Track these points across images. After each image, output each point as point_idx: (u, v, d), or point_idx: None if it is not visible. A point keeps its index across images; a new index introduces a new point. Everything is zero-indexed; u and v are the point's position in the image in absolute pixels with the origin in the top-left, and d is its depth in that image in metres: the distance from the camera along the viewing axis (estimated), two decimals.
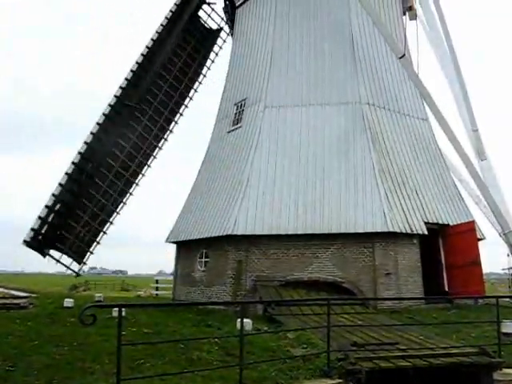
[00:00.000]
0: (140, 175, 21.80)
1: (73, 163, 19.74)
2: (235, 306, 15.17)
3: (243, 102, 20.48)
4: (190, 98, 23.45)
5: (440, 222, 17.91)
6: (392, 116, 19.13)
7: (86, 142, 19.99)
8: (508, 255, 19.37)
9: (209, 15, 24.26)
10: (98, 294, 22.91)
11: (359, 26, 19.90)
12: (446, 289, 17.84)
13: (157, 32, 22.16)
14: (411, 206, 17.15)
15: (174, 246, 21.39)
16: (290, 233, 16.40)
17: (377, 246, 16.18)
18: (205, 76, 24.03)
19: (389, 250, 16.25)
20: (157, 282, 33.05)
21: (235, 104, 21.01)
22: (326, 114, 18.49)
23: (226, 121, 21.31)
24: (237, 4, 23.63)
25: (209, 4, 24.32)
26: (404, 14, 22.67)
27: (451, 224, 18.14)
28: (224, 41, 24.50)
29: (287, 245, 16.58)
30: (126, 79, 21.13)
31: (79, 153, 19.90)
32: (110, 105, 20.63)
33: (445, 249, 18.19)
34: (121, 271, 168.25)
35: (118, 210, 21.37)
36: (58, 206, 19.64)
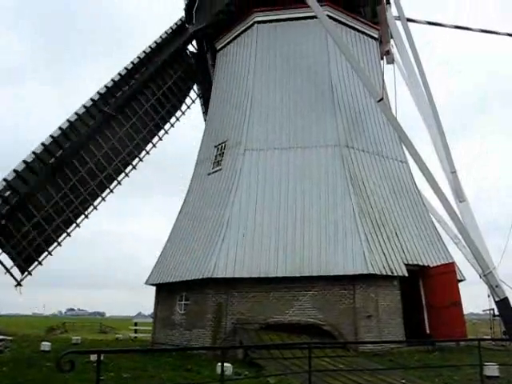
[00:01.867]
0: (107, 190, 21.36)
1: (33, 153, 18.91)
2: (215, 350, 14.92)
3: (223, 145, 20.61)
4: (172, 125, 23.77)
5: (420, 263, 17.94)
6: (371, 158, 19.39)
7: (51, 136, 19.40)
8: (488, 296, 19.33)
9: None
10: (76, 337, 22.48)
11: (338, 70, 20.35)
12: (428, 331, 17.76)
13: (144, 52, 22.75)
14: (391, 248, 17.19)
15: (154, 288, 21.10)
16: (270, 276, 16.28)
17: (357, 288, 16.12)
18: (189, 107, 24.46)
19: (369, 292, 16.18)
20: (135, 324, 32.50)
21: (215, 146, 21.13)
22: (306, 156, 18.67)
23: (206, 162, 21.38)
24: (218, 48, 24.08)
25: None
26: (381, 58, 23.26)
27: (431, 265, 18.18)
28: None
29: (267, 287, 16.42)
30: (106, 86, 21.28)
31: (42, 144, 19.17)
32: (84, 105, 20.43)
33: (425, 290, 18.18)
34: (99, 313, 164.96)
35: (78, 222, 20.48)
36: (7, 193, 18.51)
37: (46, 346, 17.07)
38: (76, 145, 20.13)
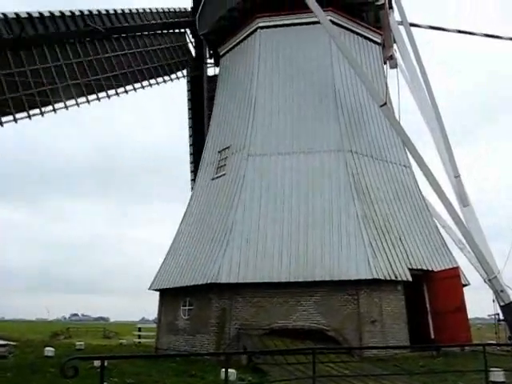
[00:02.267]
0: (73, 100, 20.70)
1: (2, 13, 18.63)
2: (219, 355, 14.90)
3: (227, 150, 20.64)
4: (142, 87, 23.70)
5: (424, 268, 17.90)
6: (375, 163, 19.38)
7: (27, 12, 19.20)
8: (493, 301, 19.27)
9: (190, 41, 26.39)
10: (79, 342, 22.49)
11: (341, 74, 20.38)
12: (432, 336, 17.69)
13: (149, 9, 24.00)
14: (395, 253, 17.15)
15: (157, 293, 21.10)
16: (274, 281, 16.27)
17: (361, 293, 16.08)
18: (171, 80, 25.01)
19: (373, 297, 16.15)
20: (139, 329, 32.47)
21: (219, 151, 21.18)
22: (309, 161, 18.68)
23: (210, 168, 21.42)
24: (221, 53, 24.17)
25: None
26: (385, 63, 23.34)
27: (435, 270, 18.13)
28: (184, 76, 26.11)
29: (271, 293, 16.41)
30: (98, 10, 21.77)
31: (15, 13, 18.85)
32: (70, 10, 20.69)
33: (430, 295, 18.13)
34: (102, 318, 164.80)
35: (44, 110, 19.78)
36: None
37: (49, 351, 17.08)
38: (55, 36, 20.15)
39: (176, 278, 19.04)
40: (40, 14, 19.55)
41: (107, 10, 22.11)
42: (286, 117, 19.80)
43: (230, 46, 23.55)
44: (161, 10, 24.46)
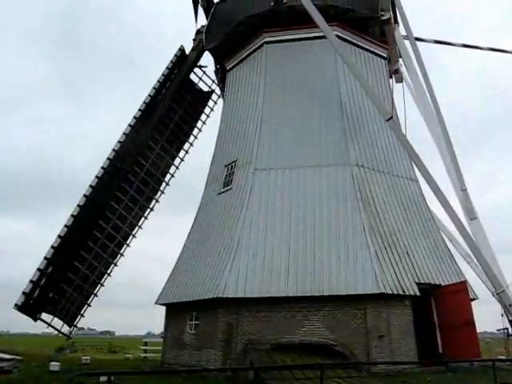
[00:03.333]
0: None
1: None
2: (226, 371, 14.82)
3: (233, 164, 20.71)
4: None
5: (432, 282, 17.80)
6: (381, 177, 19.39)
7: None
8: (502, 315, 19.11)
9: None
10: (85, 357, 22.41)
11: (347, 89, 20.47)
12: (441, 351, 17.54)
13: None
14: (402, 267, 17.08)
15: (164, 307, 21.06)
16: (280, 295, 16.20)
17: (369, 307, 15.98)
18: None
19: (381, 311, 16.05)
20: (145, 344, 32.33)
21: (225, 166, 21.24)
22: (316, 176, 18.70)
23: (216, 182, 21.48)
24: (227, 68, 24.32)
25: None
26: (390, 77, 23.41)
27: (443, 284, 18.03)
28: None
29: (278, 307, 16.33)
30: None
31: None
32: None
33: (437, 310, 18.01)
34: (108, 332, 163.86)
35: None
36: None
37: (54, 366, 17.02)
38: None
39: (182, 292, 19.00)
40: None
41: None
42: (292, 131, 19.87)
43: (237, 61, 23.72)
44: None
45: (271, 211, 18.22)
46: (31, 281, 19.24)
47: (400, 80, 24.10)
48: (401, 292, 16.25)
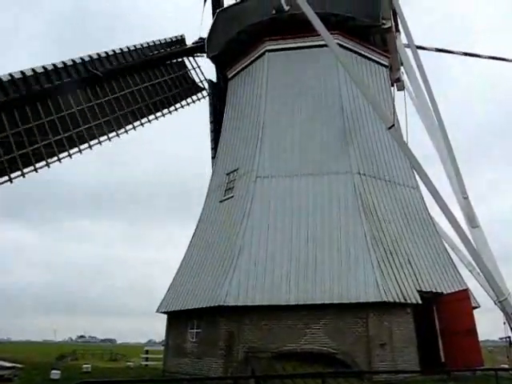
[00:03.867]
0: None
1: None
2: (227, 379, 14.75)
3: (235, 172, 20.75)
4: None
5: (434, 290, 17.76)
6: (383, 185, 19.40)
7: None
8: (504, 323, 19.05)
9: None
10: (86, 365, 22.35)
11: (349, 97, 20.51)
12: (443, 359, 17.47)
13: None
14: (404, 275, 17.05)
15: (165, 315, 21.02)
16: (282, 303, 16.17)
17: (370, 316, 15.94)
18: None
19: (383, 319, 16.00)
20: (147, 352, 32.29)
21: (227, 174, 21.29)
22: (318, 184, 18.73)
23: (218, 190, 21.51)
24: (229, 76, 24.40)
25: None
26: (392, 85, 23.49)
27: (445, 292, 17.99)
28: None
29: (280, 315, 16.30)
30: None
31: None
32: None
33: (439, 318, 17.94)
34: (109, 340, 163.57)
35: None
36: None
37: (55, 374, 16.98)
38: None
39: (184, 300, 18.98)
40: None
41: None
42: (293, 139, 19.91)
43: (239, 69, 23.80)
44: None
45: (273, 219, 18.22)
46: None
47: (401, 88, 24.19)
48: (402, 300, 16.21)
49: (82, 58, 21.68)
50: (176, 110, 25.26)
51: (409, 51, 22.58)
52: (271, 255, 17.34)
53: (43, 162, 19.64)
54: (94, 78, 21.94)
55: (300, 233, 17.70)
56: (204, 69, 26.68)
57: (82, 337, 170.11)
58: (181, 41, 26.23)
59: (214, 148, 25.11)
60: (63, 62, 20.94)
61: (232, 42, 23.30)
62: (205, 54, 25.54)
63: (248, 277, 16.89)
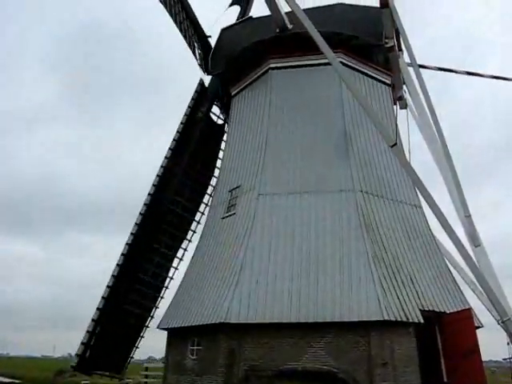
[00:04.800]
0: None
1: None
2: None
3: (237, 189, 20.79)
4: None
5: (436, 309, 17.65)
6: (385, 203, 19.40)
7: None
8: (508, 343, 18.92)
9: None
10: (85, 381, 22.21)
11: (351, 115, 20.61)
12: (445, 379, 17.31)
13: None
14: (406, 294, 16.96)
15: (165, 331, 20.90)
16: (283, 321, 16.08)
17: (372, 334, 15.81)
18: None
19: (384, 338, 15.88)
20: (146, 369, 32.02)
21: (229, 191, 21.33)
22: (320, 201, 18.73)
23: (220, 207, 21.53)
24: (232, 93, 24.52)
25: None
26: (394, 103, 23.55)
27: (447, 311, 17.87)
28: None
29: (281, 333, 16.19)
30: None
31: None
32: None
33: (442, 337, 17.80)
34: None
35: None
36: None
37: None
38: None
39: (184, 317, 18.88)
40: None
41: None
42: (296, 157, 19.98)
43: (242, 87, 23.94)
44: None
45: (275, 236, 18.20)
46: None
47: (404, 106, 24.22)
48: (404, 319, 16.11)
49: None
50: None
51: (411, 70, 22.70)
52: (273, 272, 17.28)
53: None
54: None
55: (302, 250, 17.66)
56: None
57: None
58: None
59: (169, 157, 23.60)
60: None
61: (235, 60, 23.42)
62: None
63: (249, 294, 16.82)
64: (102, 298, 19.99)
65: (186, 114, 24.05)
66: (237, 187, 20.92)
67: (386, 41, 21.58)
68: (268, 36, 22.20)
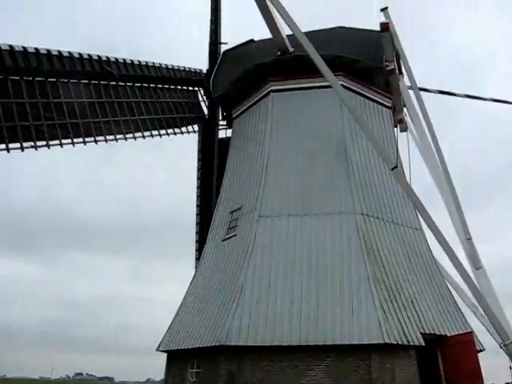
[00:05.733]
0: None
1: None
2: None
3: (238, 211, 20.83)
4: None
5: (437, 332, 17.54)
6: (386, 226, 19.41)
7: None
8: (510, 367, 18.75)
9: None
10: None
11: (352, 137, 20.71)
12: None
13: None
14: (407, 317, 16.86)
15: (165, 354, 20.75)
16: (284, 344, 15.97)
17: (373, 358, 15.68)
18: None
19: (385, 362, 15.76)
20: None
21: (230, 212, 21.35)
22: (320, 223, 18.74)
23: (220, 229, 21.55)
24: (234, 115, 24.69)
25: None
26: (395, 126, 23.70)
27: (449, 334, 17.76)
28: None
29: (281, 356, 16.07)
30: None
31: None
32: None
33: (443, 361, 17.67)
34: (108, 378, 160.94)
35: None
36: None
37: None
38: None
39: (184, 339, 18.77)
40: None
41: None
42: (297, 179, 20.03)
43: (243, 109, 24.09)
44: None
45: (275, 259, 18.16)
46: None
47: (405, 129, 24.39)
48: (406, 342, 16.00)
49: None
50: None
51: (412, 92, 22.88)
52: (273, 295, 17.20)
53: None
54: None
55: (302, 273, 17.60)
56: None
57: (79, 374, 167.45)
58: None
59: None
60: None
61: (237, 82, 23.61)
62: None
63: (250, 316, 16.73)
64: None
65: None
66: (237, 209, 20.95)
67: (387, 64, 21.85)
68: (269, 59, 22.43)
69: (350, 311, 16.37)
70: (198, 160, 26.99)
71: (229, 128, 25.90)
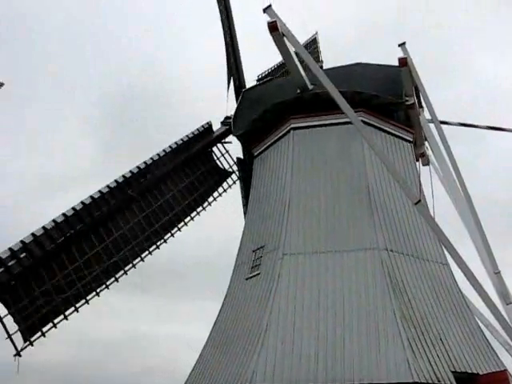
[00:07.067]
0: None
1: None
2: None
3: (261, 249, 20.76)
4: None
5: (469, 370, 16.98)
6: (411, 261, 19.11)
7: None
8: None
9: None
10: None
11: (374, 172, 20.62)
12: None
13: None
14: (436, 354, 16.42)
15: None
16: None
17: None
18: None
19: None
20: None
21: (253, 251, 21.27)
22: (345, 260, 18.57)
23: (244, 267, 21.42)
24: (255, 153, 24.83)
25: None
26: (417, 160, 23.62)
27: (481, 373, 17.18)
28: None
29: None
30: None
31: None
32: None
33: None
34: None
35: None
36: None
37: None
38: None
39: (208, 380, 18.51)
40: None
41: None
42: (320, 215, 19.95)
43: (264, 147, 24.16)
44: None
45: (300, 297, 17.96)
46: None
47: (426, 163, 24.32)
48: (436, 381, 15.52)
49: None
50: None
51: (432, 126, 22.87)
52: (298, 334, 16.94)
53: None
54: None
55: (327, 311, 17.35)
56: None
57: None
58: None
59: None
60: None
61: (257, 121, 23.85)
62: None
63: (275, 356, 16.44)
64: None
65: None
66: (261, 247, 20.84)
67: (407, 98, 21.95)
68: (289, 97, 22.69)
69: (377, 350, 16.03)
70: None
71: (250, 165, 25.95)
